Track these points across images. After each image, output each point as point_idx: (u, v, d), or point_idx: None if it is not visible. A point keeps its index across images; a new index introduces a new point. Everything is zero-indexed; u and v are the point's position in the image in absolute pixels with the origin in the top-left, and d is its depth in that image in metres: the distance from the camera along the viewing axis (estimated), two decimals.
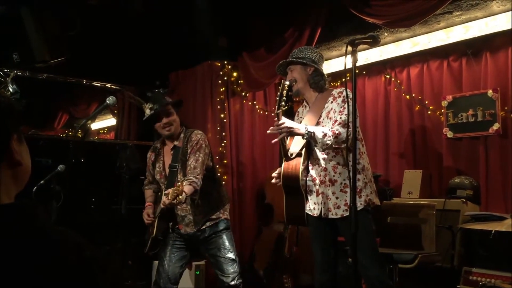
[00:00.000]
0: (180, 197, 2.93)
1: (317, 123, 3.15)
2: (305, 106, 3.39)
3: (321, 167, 3.16)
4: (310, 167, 3.21)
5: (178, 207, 3.38)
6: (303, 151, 3.16)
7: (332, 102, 3.16)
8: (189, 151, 3.37)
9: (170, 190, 2.97)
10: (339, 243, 3.35)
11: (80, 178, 4.84)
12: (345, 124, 2.99)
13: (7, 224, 0.97)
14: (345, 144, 3.02)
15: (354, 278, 2.65)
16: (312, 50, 3.33)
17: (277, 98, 2.97)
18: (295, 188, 3.17)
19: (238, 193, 5.54)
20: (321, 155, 3.15)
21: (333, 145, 2.99)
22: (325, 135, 2.95)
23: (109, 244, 4.60)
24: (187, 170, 3.31)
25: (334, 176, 3.12)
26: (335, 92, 3.21)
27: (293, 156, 3.18)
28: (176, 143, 3.47)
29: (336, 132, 2.97)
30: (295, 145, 3.19)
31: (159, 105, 3.39)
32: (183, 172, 3.36)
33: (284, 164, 3.19)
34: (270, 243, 5.20)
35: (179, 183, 3.01)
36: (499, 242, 3.67)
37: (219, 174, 4.97)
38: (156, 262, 4.90)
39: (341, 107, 3.08)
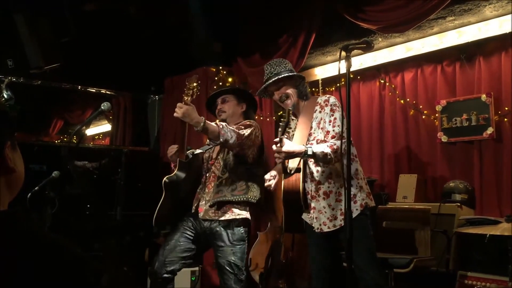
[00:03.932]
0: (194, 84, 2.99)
1: (309, 135, 3.11)
2: (293, 119, 3.30)
3: (314, 180, 3.11)
4: (305, 181, 3.17)
5: (206, 190, 3.32)
6: (301, 166, 3.10)
7: (320, 112, 3.11)
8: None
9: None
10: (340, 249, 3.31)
11: (74, 184, 4.83)
12: (339, 136, 2.97)
13: (1, 231, 0.97)
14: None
15: (349, 282, 2.64)
16: (286, 62, 3.28)
17: (282, 125, 2.86)
18: (296, 202, 3.11)
19: None
20: (314, 167, 3.11)
21: (333, 160, 2.97)
22: (325, 154, 2.90)
23: (104, 250, 4.58)
24: None
25: (328, 187, 3.08)
26: (320, 100, 3.16)
27: (292, 171, 3.11)
28: (234, 126, 3.32)
29: (335, 147, 2.94)
30: (293, 160, 3.12)
31: (216, 91, 3.43)
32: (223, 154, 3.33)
33: (284, 181, 3.11)
34: (266, 248, 5.19)
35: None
36: (494, 246, 3.68)
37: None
38: None
39: (330, 117, 3.05)
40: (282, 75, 3.15)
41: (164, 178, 3.23)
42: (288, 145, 2.92)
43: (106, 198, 4.75)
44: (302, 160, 3.09)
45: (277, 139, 2.88)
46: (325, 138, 3.05)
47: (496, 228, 3.34)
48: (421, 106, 4.93)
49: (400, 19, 3.94)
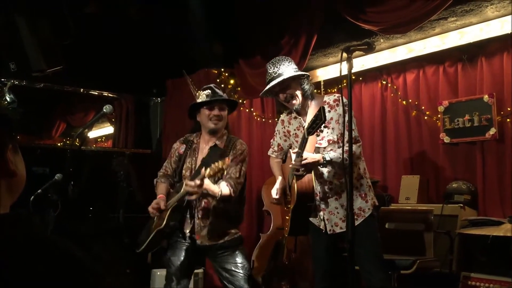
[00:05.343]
0: (221, 172, 2.83)
1: (317, 135, 3.05)
2: (296, 117, 3.23)
3: (326, 181, 3.07)
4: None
5: (199, 215, 3.19)
6: None
7: (329, 111, 3.04)
8: (231, 158, 3.13)
9: (209, 168, 2.82)
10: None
11: (77, 187, 4.83)
12: (356, 140, 2.95)
13: (2, 234, 0.97)
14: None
15: (351, 283, 2.63)
16: (289, 59, 3.16)
17: (316, 121, 2.69)
18: (310, 203, 3.06)
19: None
20: (324, 168, 3.06)
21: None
22: (342, 160, 2.83)
23: (107, 252, 4.58)
24: (226, 176, 3.10)
25: (341, 187, 3.04)
26: (328, 99, 3.11)
27: (304, 173, 3.01)
28: (217, 142, 3.25)
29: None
30: None
31: (218, 96, 3.24)
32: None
33: (297, 183, 2.98)
34: (268, 250, 5.19)
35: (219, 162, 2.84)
36: (497, 247, 3.67)
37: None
38: (155, 271, 4.89)
39: (343, 118, 2.89)
40: (287, 76, 3.04)
41: (163, 228, 3.11)
42: (308, 156, 2.88)
43: (109, 200, 4.76)
44: None
45: (296, 151, 2.84)
46: (339, 141, 3.01)
47: (499, 229, 3.34)
48: (423, 107, 4.93)
49: (401, 20, 3.94)
